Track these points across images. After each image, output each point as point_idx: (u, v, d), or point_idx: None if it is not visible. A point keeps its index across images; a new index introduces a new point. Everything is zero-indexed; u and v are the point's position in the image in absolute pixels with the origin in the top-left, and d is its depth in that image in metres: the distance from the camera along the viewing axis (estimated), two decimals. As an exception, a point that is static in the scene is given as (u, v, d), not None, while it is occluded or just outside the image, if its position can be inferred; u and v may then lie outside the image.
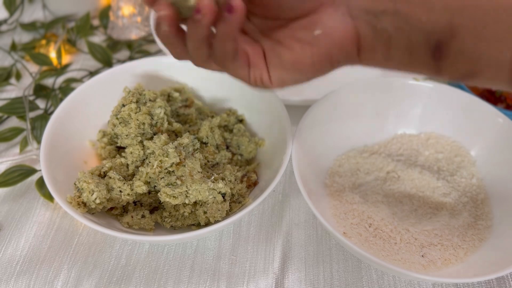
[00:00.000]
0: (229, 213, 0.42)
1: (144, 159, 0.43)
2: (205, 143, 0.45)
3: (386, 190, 0.45)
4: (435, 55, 0.29)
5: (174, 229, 0.42)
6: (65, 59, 0.64)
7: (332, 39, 0.30)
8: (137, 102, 0.44)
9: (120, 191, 0.41)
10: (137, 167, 0.43)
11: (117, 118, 0.44)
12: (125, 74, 0.50)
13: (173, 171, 0.40)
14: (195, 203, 0.41)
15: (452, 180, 0.46)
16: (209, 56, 0.31)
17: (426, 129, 0.50)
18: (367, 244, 0.40)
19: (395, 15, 0.29)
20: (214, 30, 0.29)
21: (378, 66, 0.32)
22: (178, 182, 0.40)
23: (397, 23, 0.29)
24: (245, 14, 0.27)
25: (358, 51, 0.31)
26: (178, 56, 0.32)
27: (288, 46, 0.31)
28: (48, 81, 0.60)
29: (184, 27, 0.31)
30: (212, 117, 0.49)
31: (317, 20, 0.30)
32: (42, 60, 0.62)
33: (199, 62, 0.32)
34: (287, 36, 0.31)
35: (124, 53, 0.65)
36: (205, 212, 0.40)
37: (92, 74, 0.61)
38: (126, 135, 0.43)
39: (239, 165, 0.46)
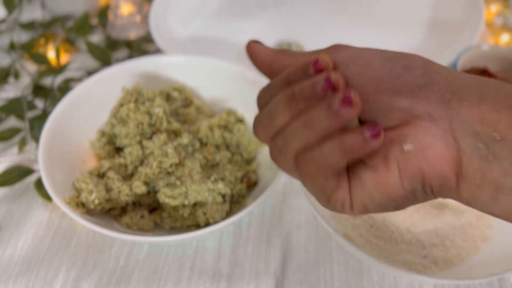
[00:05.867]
0: (229, 213, 0.42)
1: (143, 159, 0.42)
2: (205, 143, 0.45)
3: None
4: None
5: (174, 230, 0.42)
6: (64, 58, 0.64)
7: (426, 157, 0.24)
8: (135, 101, 0.43)
9: (119, 192, 0.40)
10: (136, 167, 0.42)
11: (115, 118, 0.43)
12: (124, 74, 0.50)
13: (172, 171, 0.40)
14: (195, 204, 0.41)
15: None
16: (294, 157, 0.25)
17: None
18: (368, 245, 0.40)
19: None
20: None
21: (482, 209, 0.24)
22: (178, 182, 0.40)
23: None
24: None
25: (457, 181, 0.24)
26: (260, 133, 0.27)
27: (370, 164, 0.25)
28: (47, 81, 0.60)
29: None
30: (211, 116, 0.49)
31: (409, 133, 0.24)
32: (40, 59, 0.61)
33: (274, 153, 0.26)
34: None
35: (123, 52, 0.65)
36: (204, 213, 0.40)
37: (90, 73, 0.61)
38: (125, 135, 0.43)
39: (239, 165, 0.46)
